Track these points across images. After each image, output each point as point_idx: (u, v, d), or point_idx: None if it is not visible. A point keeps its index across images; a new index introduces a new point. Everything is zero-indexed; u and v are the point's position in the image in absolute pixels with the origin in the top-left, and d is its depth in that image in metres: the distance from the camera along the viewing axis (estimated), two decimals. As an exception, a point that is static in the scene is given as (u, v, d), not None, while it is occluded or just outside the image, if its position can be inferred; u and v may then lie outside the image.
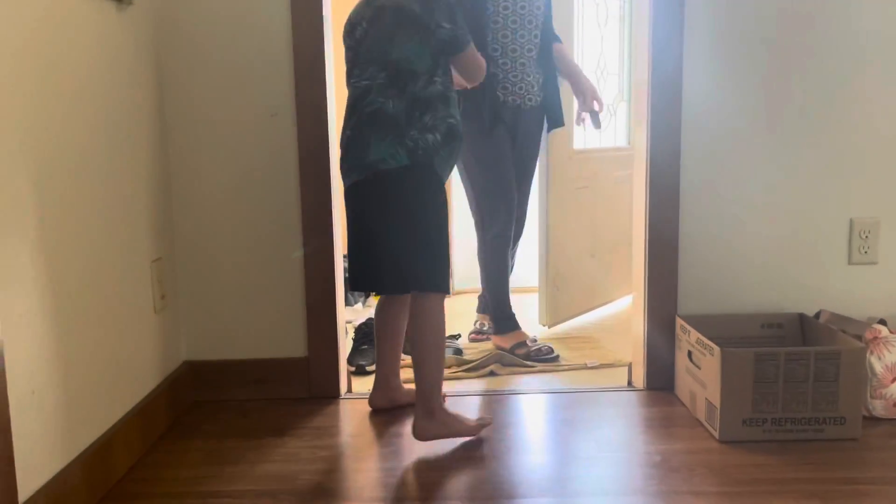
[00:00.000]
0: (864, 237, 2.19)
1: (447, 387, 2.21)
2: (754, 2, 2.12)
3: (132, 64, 1.94)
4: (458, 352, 2.70)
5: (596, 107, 2.82)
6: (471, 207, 2.84)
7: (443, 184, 1.91)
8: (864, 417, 1.94)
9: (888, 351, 1.97)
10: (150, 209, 2.02)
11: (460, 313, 3.21)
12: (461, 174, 2.82)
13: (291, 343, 2.24)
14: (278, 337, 2.24)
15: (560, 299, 3.14)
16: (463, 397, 2.28)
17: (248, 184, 2.17)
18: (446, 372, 2.54)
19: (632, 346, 2.40)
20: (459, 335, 2.90)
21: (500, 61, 2.63)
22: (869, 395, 1.97)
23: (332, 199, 2.19)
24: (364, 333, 2.70)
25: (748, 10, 2.13)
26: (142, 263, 1.96)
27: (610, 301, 3.50)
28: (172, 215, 2.17)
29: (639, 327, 2.30)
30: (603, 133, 3.54)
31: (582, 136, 3.33)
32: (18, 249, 1.40)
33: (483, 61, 1.98)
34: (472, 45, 1.92)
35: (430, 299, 1.88)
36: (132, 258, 1.90)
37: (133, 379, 1.89)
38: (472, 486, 1.69)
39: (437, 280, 1.89)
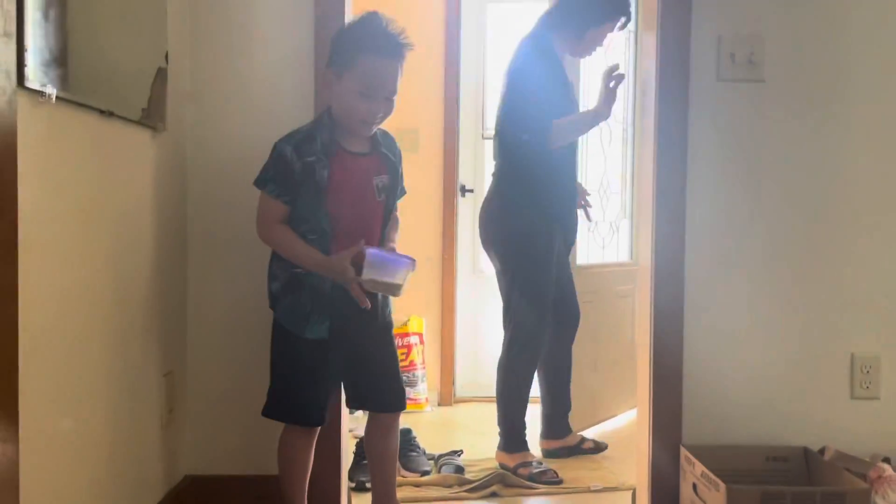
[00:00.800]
0: (865, 372, 2.22)
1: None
2: (759, 135, 2.21)
3: (163, 186, 2.02)
4: (460, 470, 2.68)
5: (588, 202, 2.99)
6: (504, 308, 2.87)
7: (298, 336, 1.90)
8: (872, 559, 1.92)
9: (892, 491, 1.96)
10: (165, 321, 2.06)
11: (462, 424, 3.20)
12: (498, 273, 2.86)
13: (294, 459, 2.23)
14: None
15: (562, 414, 3.14)
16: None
17: (261, 304, 2.21)
18: (448, 492, 2.53)
19: (636, 469, 2.39)
20: (461, 451, 2.88)
21: None
22: (874, 536, 1.95)
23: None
24: (366, 447, 2.68)
25: (752, 143, 2.21)
26: (153, 377, 1.98)
27: (613, 415, 3.49)
28: (187, 328, 2.21)
29: (643, 452, 2.29)
30: (605, 249, 3.63)
31: (585, 251, 3.41)
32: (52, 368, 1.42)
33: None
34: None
35: None
36: (144, 371, 1.93)
37: (137, 495, 1.88)
38: None
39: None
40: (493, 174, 2.88)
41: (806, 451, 2.16)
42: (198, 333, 2.22)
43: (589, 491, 2.59)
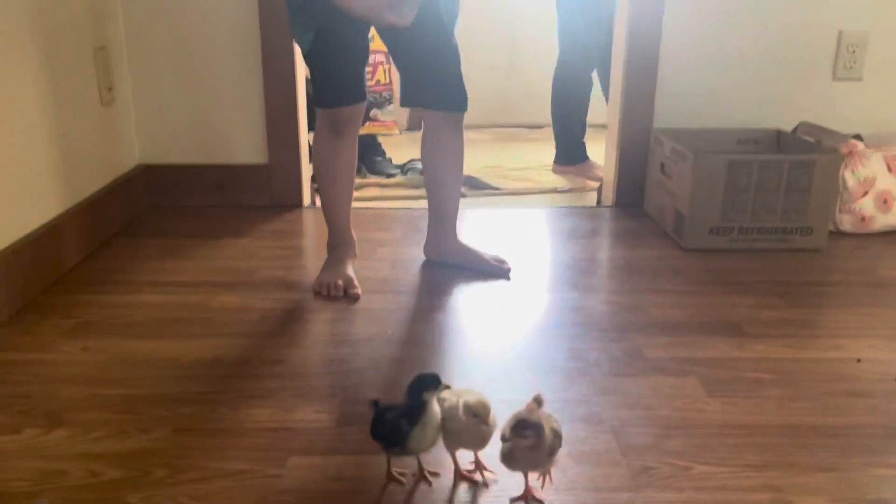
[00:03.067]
0: (851, 52, 2.10)
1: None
2: None
3: None
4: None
5: None
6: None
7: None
8: (830, 232, 1.93)
9: (862, 166, 1.93)
10: (92, -9, 1.85)
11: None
12: None
13: (251, 149, 2.14)
14: (237, 142, 2.14)
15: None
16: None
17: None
18: (414, 192, 2.49)
19: (604, 161, 2.34)
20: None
21: None
22: (838, 209, 1.95)
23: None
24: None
25: None
26: (83, 51, 1.81)
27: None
28: (121, 2, 2.00)
29: (612, 138, 2.23)
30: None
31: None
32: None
33: None
34: None
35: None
36: (73, 44, 1.75)
37: (83, 171, 1.79)
38: (437, 278, 1.66)
39: None
40: None
41: (778, 133, 2.09)
42: (132, 5, 2.01)
43: (556, 192, 2.56)
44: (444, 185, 1.71)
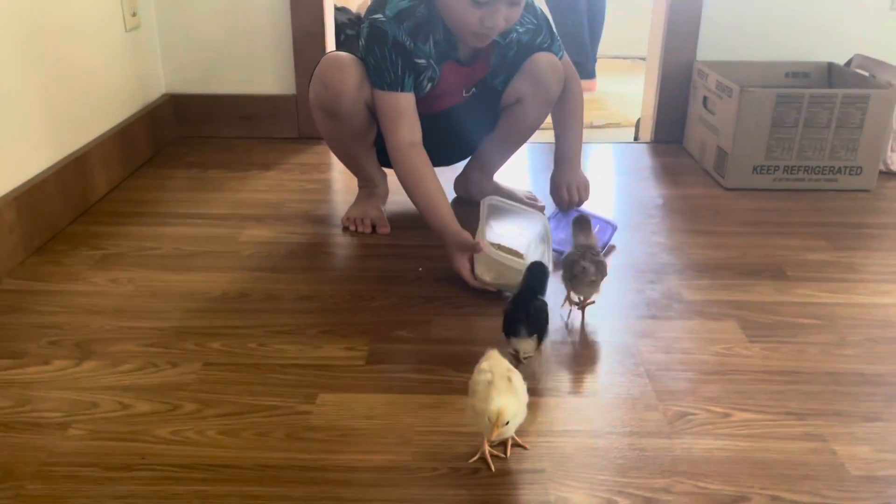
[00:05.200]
0: (913, -20, 1.96)
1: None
2: None
3: None
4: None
5: None
6: None
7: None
8: (881, 171, 1.84)
9: (919, 102, 1.82)
10: (114, -90, 1.77)
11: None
12: None
13: (279, 79, 2.09)
14: (264, 71, 2.08)
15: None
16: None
17: None
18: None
19: (643, 100, 2.25)
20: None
21: None
22: (889, 147, 1.86)
23: None
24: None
25: None
26: (108, -27, 1.76)
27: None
28: (141, -77, 1.93)
29: (653, 70, 2.13)
30: None
31: None
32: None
33: None
34: None
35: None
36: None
37: (109, 100, 1.76)
38: (469, 216, 1.62)
39: None
40: None
41: (830, 66, 1.98)
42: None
43: (591, 127, 2.48)
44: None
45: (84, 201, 1.60)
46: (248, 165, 1.91)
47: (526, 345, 1.05)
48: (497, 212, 1.40)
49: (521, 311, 1.05)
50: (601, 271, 1.19)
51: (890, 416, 0.98)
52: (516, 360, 1.06)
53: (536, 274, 1.11)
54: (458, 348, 1.12)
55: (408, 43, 1.34)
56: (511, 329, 1.05)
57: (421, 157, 1.39)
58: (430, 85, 1.43)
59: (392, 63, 1.34)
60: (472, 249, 1.28)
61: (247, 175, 1.85)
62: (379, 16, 1.33)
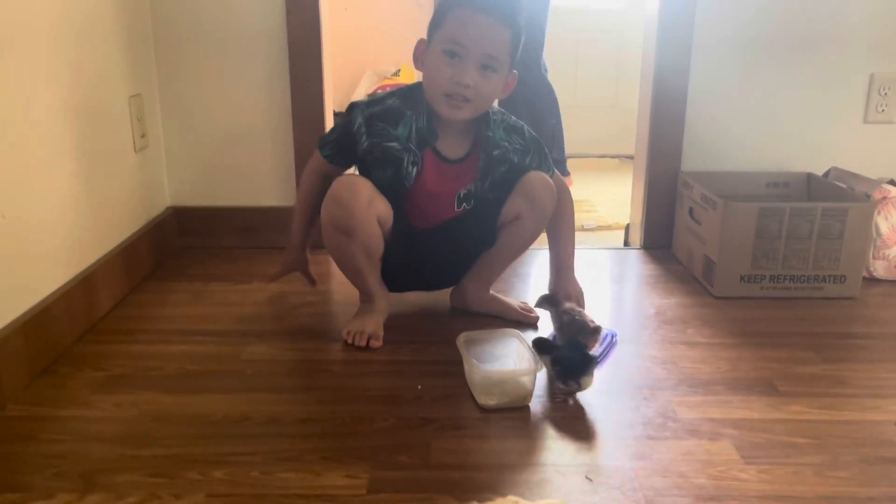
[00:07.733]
0: (882, 94, 2.08)
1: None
2: None
3: None
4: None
5: None
6: None
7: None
8: (864, 278, 1.90)
9: (896, 211, 1.90)
10: (128, 39, 1.88)
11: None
12: None
13: (280, 191, 2.17)
14: (266, 184, 2.16)
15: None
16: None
17: (234, 20, 2.03)
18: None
19: (631, 202, 2.33)
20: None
21: None
22: (871, 255, 1.92)
23: (320, 33, 2.05)
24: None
25: None
26: (119, 99, 1.85)
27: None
28: (155, 50, 2.03)
29: (639, 180, 2.22)
30: None
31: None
32: (-23, 61, 1.28)
33: None
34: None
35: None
36: (109, 93, 1.79)
37: (116, 219, 1.82)
38: (465, 327, 1.66)
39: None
40: None
41: (809, 176, 2.07)
42: (167, 54, 2.05)
43: (583, 229, 2.55)
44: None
45: (89, 319, 1.64)
46: (249, 277, 1.96)
47: (591, 379, 1.33)
48: (473, 344, 1.46)
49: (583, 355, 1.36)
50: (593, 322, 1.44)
51: (885, 542, 1.00)
52: (566, 397, 1.35)
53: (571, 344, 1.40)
54: (458, 475, 1.14)
55: (367, 121, 1.52)
56: (583, 370, 1.33)
57: (319, 169, 1.62)
58: (414, 169, 1.53)
59: (336, 127, 1.60)
60: (290, 268, 1.73)
61: (248, 287, 1.89)
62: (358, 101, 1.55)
